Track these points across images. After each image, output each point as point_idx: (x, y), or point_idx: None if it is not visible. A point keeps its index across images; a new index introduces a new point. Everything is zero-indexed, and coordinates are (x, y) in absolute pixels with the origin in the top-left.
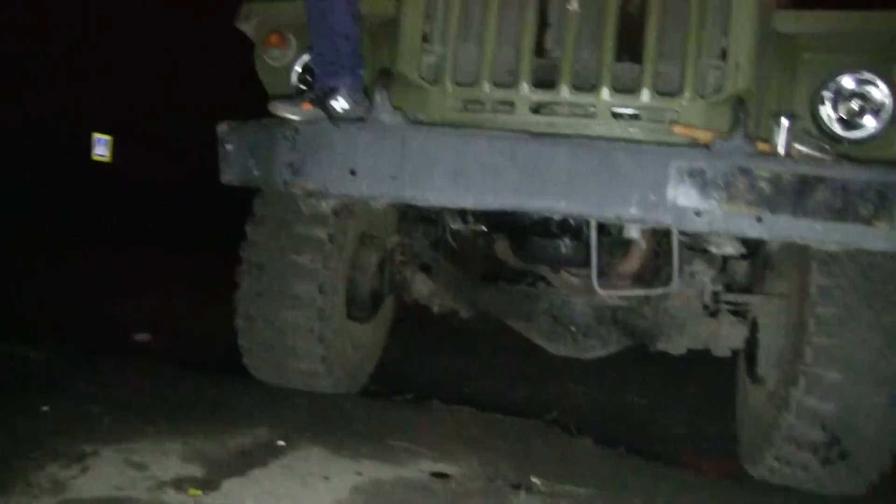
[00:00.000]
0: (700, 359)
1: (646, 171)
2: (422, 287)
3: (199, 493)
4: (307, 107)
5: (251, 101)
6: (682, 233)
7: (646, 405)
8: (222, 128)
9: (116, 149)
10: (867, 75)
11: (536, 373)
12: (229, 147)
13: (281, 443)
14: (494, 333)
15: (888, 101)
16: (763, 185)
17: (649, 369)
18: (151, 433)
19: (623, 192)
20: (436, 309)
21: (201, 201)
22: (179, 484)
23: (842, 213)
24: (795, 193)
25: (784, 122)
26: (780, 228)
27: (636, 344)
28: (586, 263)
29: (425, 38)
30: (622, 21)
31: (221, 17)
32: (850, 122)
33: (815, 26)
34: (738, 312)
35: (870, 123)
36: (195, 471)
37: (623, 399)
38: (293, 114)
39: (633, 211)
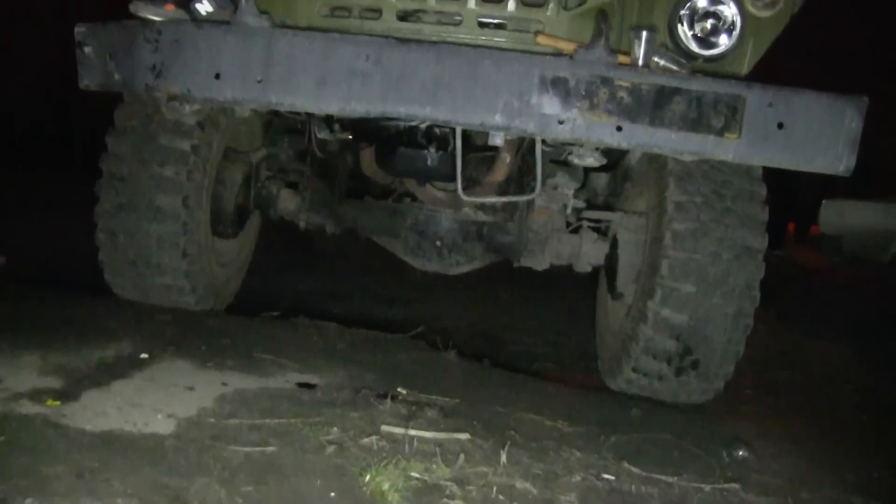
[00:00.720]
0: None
1: (510, 79)
2: (288, 203)
3: (57, 403)
4: (170, 7)
5: None
6: (544, 143)
7: (510, 323)
8: (80, 30)
9: None
10: None
11: (403, 293)
12: (87, 50)
13: (144, 355)
14: (362, 255)
15: (738, 20)
16: (623, 94)
17: (513, 288)
18: (6, 349)
19: (488, 98)
20: (302, 225)
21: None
22: (36, 395)
23: (696, 123)
24: (653, 104)
25: (644, 34)
26: (639, 137)
27: (500, 260)
28: (452, 176)
29: None
30: None
31: None
32: (704, 41)
33: None
34: (599, 229)
35: (722, 41)
36: (53, 383)
37: (489, 317)
38: (155, 14)
39: (498, 118)
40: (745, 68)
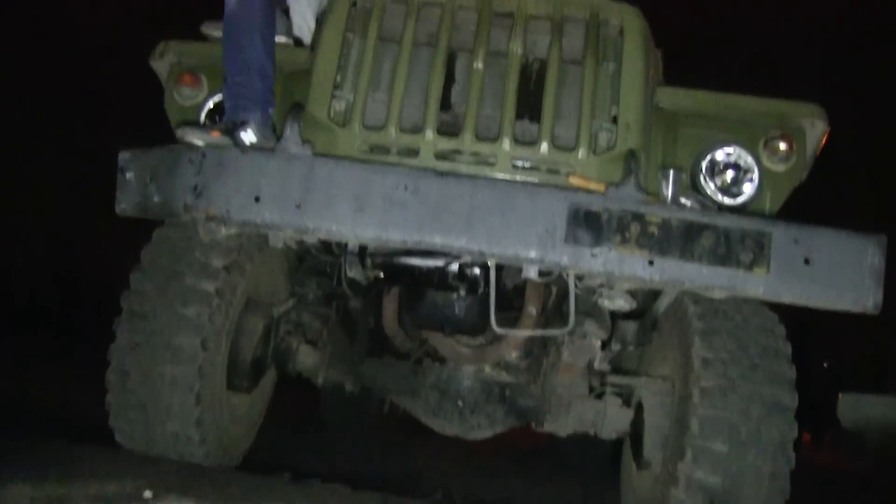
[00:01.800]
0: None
1: (545, 212)
2: (307, 358)
3: None
4: (215, 134)
5: None
6: (576, 283)
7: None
8: (124, 156)
9: None
10: (737, 149)
11: (416, 451)
12: (129, 175)
13: (147, 493)
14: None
15: (756, 172)
16: (654, 229)
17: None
18: None
19: (522, 231)
20: (319, 381)
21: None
22: None
23: (725, 258)
24: (683, 238)
25: (671, 173)
26: (670, 271)
27: (522, 424)
28: (479, 327)
29: (336, 86)
30: (523, 82)
31: None
32: (726, 190)
33: (691, 104)
34: (623, 395)
35: (743, 191)
36: None
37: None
38: (201, 140)
39: (532, 251)
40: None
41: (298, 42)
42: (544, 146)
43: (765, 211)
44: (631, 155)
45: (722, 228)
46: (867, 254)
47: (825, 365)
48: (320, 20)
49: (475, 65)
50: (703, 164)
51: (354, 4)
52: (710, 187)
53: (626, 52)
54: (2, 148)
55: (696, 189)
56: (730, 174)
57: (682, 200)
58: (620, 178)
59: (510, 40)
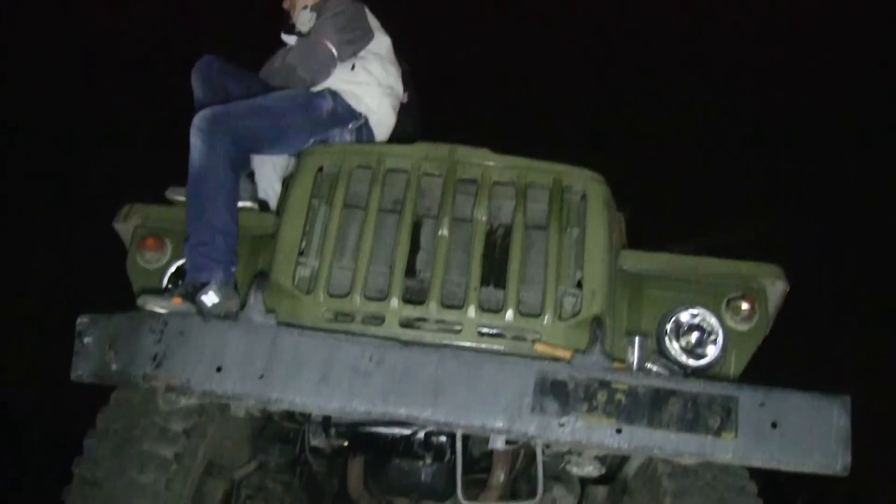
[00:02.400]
0: None
1: (511, 382)
2: None
3: None
4: (177, 301)
5: None
6: (544, 449)
7: None
8: (82, 320)
9: None
10: (701, 311)
11: None
12: (87, 340)
13: None
14: None
15: (720, 334)
16: (621, 397)
17: None
18: None
19: (489, 401)
20: None
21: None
22: None
23: (693, 424)
24: (650, 405)
25: (636, 339)
26: (639, 439)
27: None
28: (445, 493)
29: (301, 252)
30: (488, 247)
31: None
32: (691, 352)
33: (654, 266)
34: None
35: (708, 352)
36: None
37: None
38: (162, 307)
39: (499, 421)
40: (731, 375)
41: (264, 205)
42: (509, 313)
43: (730, 371)
44: (596, 321)
45: (689, 394)
46: (833, 416)
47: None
48: (286, 184)
49: (440, 232)
50: (668, 326)
51: (321, 170)
52: (674, 349)
53: (589, 219)
54: None
55: (661, 351)
56: (694, 335)
57: (649, 366)
58: (587, 343)
59: (475, 207)
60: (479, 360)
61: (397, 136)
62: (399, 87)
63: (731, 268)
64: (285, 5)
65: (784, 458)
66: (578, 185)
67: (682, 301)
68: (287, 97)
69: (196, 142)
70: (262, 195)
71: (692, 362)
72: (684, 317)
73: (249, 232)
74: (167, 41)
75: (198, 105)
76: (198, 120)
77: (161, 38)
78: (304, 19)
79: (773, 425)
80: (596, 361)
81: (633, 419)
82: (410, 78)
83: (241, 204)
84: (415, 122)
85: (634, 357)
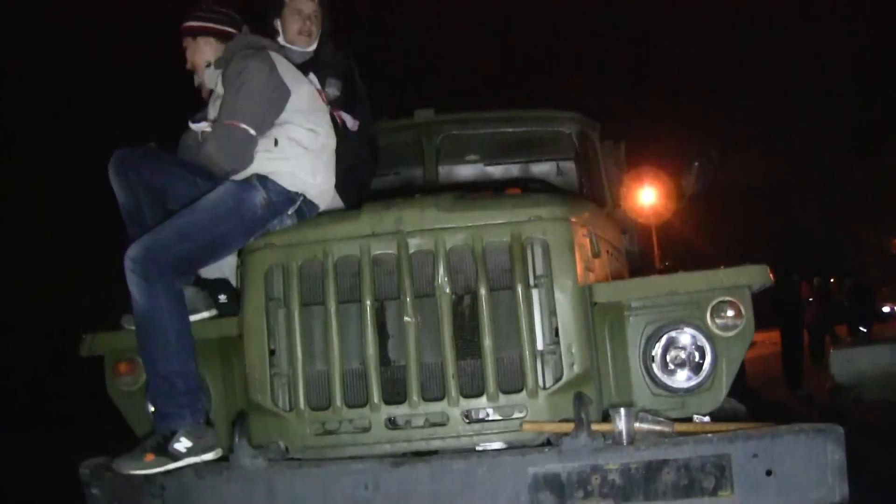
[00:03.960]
0: None
1: (506, 483)
2: None
3: None
4: (150, 458)
5: None
6: None
7: None
8: (85, 472)
9: None
10: (686, 330)
11: None
12: (94, 492)
13: None
14: None
15: (708, 347)
16: (614, 476)
17: None
18: None
19: None
20: None
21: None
22: None
23: (689, 489)
24: (645, 479)
25: (622, 412)
26: None
27: None
28: None
29: (272, 352)
30: (458, 319)
31: None
32: (683, 371)
33: (630, 294)
34: None
35: (697, 372)
36: None
37: None
38: (139, 469)
39: None
40: (724, 389)
41: (225, 284)
42: (491, 395)
43: (722, 384)
44: (579, 384)
45: (681, 461)
46: (826, 451)
47: None
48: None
49: (405, 317)
50: (655, 353)
51: (269, 270)
52: (664, 377)
53: (555, 269)
54: None
55: (650, 377)
56: (683, 354)
57: (637, 425)
58: (573, 410)
59: (435, 279)
60: (471, 465)
61: (351, 167)
62: (331, 137)
63: (711, 279)
64: (188, 66)
65: (782, 501)
66: (539, 234)
67: (665, 322)
68: (215, 203)
69: (134, 282)
70: (218, 274)
71: (685, 384)
72: (669, 338)
73: (216, 339)
74: None
75: (122, 209)
76: (130, 261)
77: None
78: (209, 77)
79: (769, 473)
80: (585, 444)
81: (630, 496)
82: (351, 73)
83: (197, 317)
84: (367, 142)
85: (623, 428)
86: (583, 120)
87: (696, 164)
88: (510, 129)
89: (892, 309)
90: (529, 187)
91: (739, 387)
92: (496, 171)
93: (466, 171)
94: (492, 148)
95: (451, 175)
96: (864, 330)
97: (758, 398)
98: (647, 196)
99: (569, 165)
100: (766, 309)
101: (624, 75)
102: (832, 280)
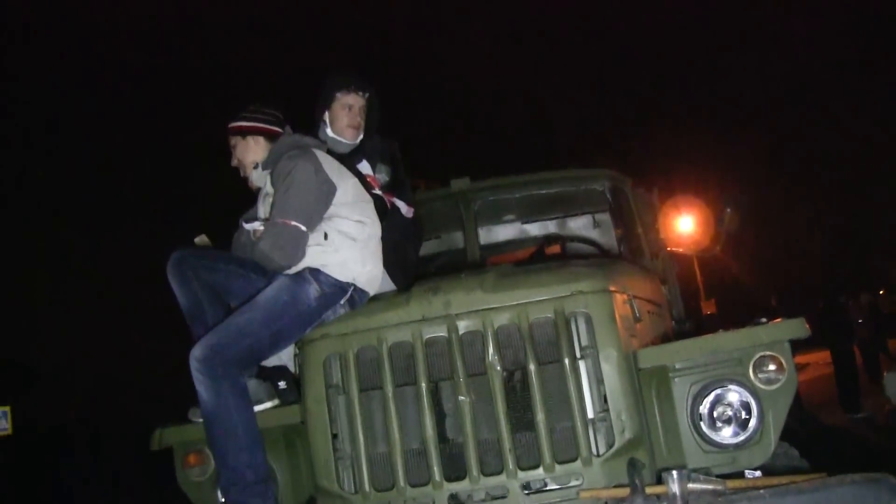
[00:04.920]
0: None
1: None
2: None
3: None
4: None
5: None
6: None
7: None
8: None
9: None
10: (731, 386)
11: None
12: None
13: None
14: None
15: (753, 402)
16: None
17: None
18: None
19: None
20: None
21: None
22: None
23: None
24: None
25: (674, 474)
26: None
27: None
28: None
29: (335, 435)
30: (509, 396)
31: None
32: (729, 429)
33: (673, 357)
34: None
35: (745, 426)
36: None
37: None
38: None
39: None
40: (773, 443)
41: (284, 371)
42: (547, 466)
43: (770, 438)
44: (631, 448)
45: None
46: (879, 501)
47: None
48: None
49: (460, 397)
50: (703, 412)
51: (327, 359)
52: (713, 434)
53: (599, 340)
54: None
55: (700, 435)
56: (729, 411)
57: (691, 485)
58: (627, 475)
59: (486, 358)
60: None
61: (398, 247)
62: (376, 225)
63: (751, 336)
64: (233, 163)
65: None
66: (581, 307)
67: (708, 379)
68: (271, 299)
69: (200, 380)
70: (276, 361)
71: (734, 440)
72: (715, 397)
73: (280, 427)
74: None
75: (183, 309)
76: (195, 361)
77: None
78: (256, 177)
79: None
80: None
81: None
82: (396, 160)
83: (261, 407)
84: (412, 222)
85: (676, 491)
86: (613, 175)
87: (728, 209)
88: (543, 191)
89: None
90: (568, 245)
91: (795, 411)
92: (534, 227)
93: (506, 230)
94: (527, 208)
95: (490, 235)
96: None
97: (816, 423)
98: (686, 224)
99: (604, 217)
100: (816, 327)
101: (658, 121)
102: (882, 292)
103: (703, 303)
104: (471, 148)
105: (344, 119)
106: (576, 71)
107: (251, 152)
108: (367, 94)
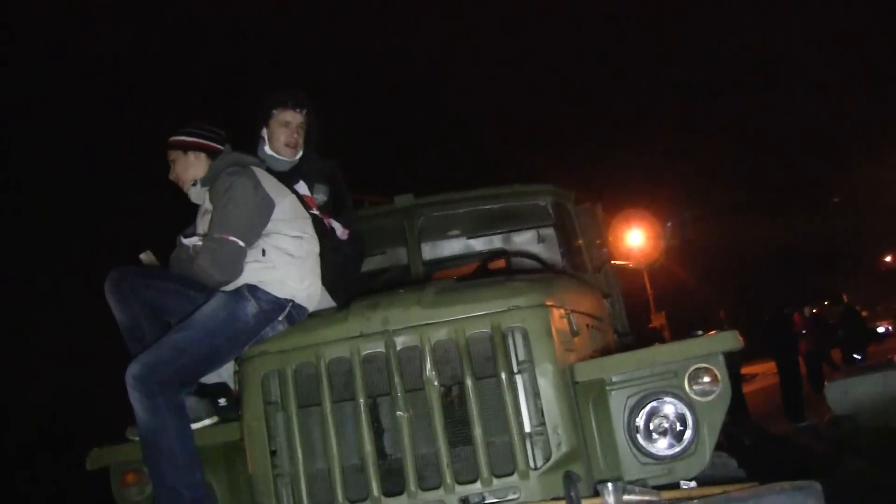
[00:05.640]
0: None
1: None
2: None
3: None
4: None
5: None
6: None
7: None
8: None
9: None
10: (667, 399)
11: None
12: None
13: None
14: None
15: (688, 413)
16: None
17: None
18: None
19: None
20: None
21: None
22: None
23: None
24: None
25: (609, 487)
26: None
27: None
28: None
29: (273, 453)
30: (447, 410)
31: None
32: (665, 441)
33: (609, 370)
34: None
35: (681, 438)
36: None
37: None
38: None
39: None
40: (707, 453)
41: (225, 388)
42: (485, 481)
43: (706, 449)
44: (567, 462)
45: None
46: None
47: None
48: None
49: (398, 413)
50: (639, 424)
51: (265, 376)
52: (649, 445)
53: (535, 354)
54: None
55: (636, 446)
56: (665, 423)
57: (626, 497)
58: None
59: (423, 373)
60: None
61: (338, 266)
62: (315, 242)
63: (685, 349)
64: (171, 177)
65: None
66: (517, 322)
67: (644, 392)
68: (209, 316)
69: (136, 398)
70: (216, 379)
71: (670, 452)
72: (651, 409)
73: (220, 444)
74: None
75: (121, 327)
76: (131, 378)
77: None
78: (195, 194)
79: None
80: None
81: None
82: (336, 179)
83: (199, 425)
84: (352, 242)
85: (612, 503)
86: (556, 191)
87: (669, 224)
88: (487, 206)
89: (887, 329)
90: (513, 260)
91: (742, 420)
92: (479, 242)
93: (451, 245)
94: (472, 223)
95: (435, 251)
96: (859, 357)
97: (762, 433)
98: (635, 238)
99: (548, 232)
100: (762, 339)
101: (611, 140)
102: (826, 303)
103: (654, 315)
104: (423, 164)
105: (282, 137)
106: (529, 87)
107: (192, 168)
108: (304, 111)
